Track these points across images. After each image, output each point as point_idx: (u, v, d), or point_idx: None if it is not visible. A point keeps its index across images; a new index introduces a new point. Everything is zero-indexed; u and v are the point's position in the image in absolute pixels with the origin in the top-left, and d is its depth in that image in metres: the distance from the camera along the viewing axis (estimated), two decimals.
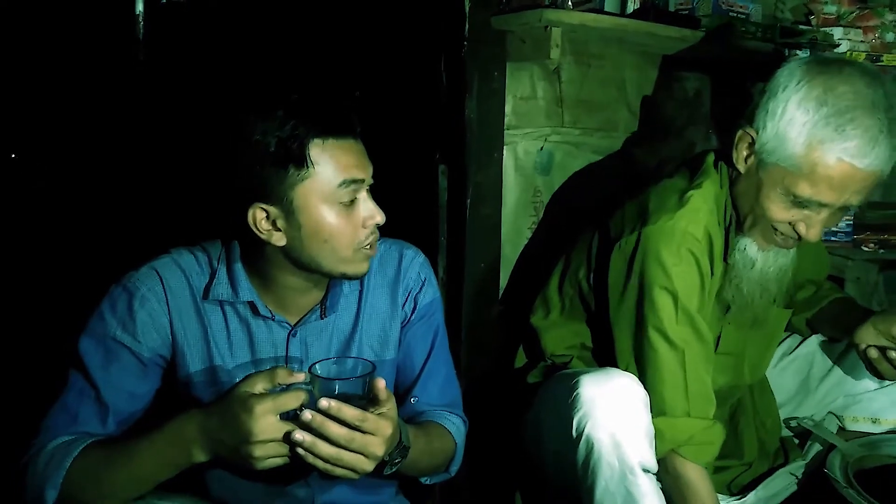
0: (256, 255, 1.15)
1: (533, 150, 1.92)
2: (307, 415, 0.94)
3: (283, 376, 0.99)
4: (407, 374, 1.32)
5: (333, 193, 1.08)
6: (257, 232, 1.09)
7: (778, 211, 1.28)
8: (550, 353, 1.57)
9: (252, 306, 1.17)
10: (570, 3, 1.76)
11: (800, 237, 1.29)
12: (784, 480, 1.51)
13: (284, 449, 0.96)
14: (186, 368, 1.16)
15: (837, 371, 1.59)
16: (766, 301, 1.41)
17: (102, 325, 1.13)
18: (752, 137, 1.28)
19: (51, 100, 2.37)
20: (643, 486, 1.17)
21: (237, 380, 1.14)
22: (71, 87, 2.36)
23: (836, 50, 2.08)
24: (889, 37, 2.09)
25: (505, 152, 1.89)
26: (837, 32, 2.07)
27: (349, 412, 0.95)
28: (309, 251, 1.10)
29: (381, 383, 0.99)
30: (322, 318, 1.21)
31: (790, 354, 1.67)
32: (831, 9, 2.09)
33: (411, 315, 1.30)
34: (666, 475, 1.29)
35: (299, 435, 0.94)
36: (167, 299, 1.14)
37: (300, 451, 0.95)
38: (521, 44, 1.83)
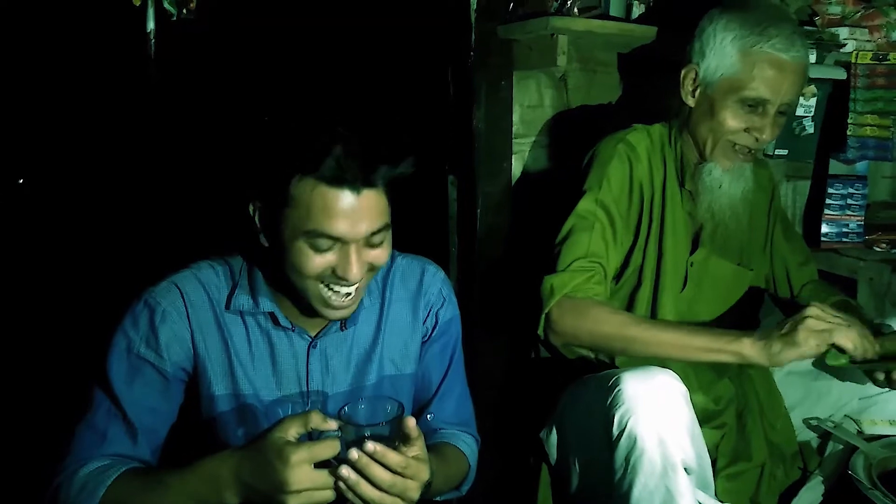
0: (276, 267, 1.15)
1: (541, 157, 1.92)
2: (354, 454, 0.94)
3: (316, 421, 0.98)
4: (424, 391, 1.32)
5: (303, 234, 1.04)
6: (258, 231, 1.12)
7: (733, 119, 1.47)
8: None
9: (272, 317, 1.18)
10: (575, 9, 1.75)
11: (757, 140, 1.48)
12: (812, 495, 1.49)
13: (318, 497, 0.95)
14: (209, 381, 1.16)
15: (848, 372, 1.58)
16: (737, 227, 1.57)
17: (125, 342, 1.13)
18: (696, 70, 1.50)
19: (62, 117, 2.39)
20: (682, 485, 1.15)
21: (259, 391, 1.17)
22: (81, 104, 2.38)
23: (842, 50, 2.08)
24: (895, 35, 2.08)
25: (513, 161, 1.89)
26: (843, 32, 2.07)
27: (393, 458, 0.95)
28: (286, 271, 1.10)
29: (411, 422, 0.99)
30: (342, 330, 1.21)
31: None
32: (836, 9, 2.08)
33: (432, 331, 1.30)
34: (562, 320, 1.40)
35: (345, 471, 0.94)
36: (188, 313, 1.14)
37: (342, 485, 0.95)
38: (527, 52, 1.83)
